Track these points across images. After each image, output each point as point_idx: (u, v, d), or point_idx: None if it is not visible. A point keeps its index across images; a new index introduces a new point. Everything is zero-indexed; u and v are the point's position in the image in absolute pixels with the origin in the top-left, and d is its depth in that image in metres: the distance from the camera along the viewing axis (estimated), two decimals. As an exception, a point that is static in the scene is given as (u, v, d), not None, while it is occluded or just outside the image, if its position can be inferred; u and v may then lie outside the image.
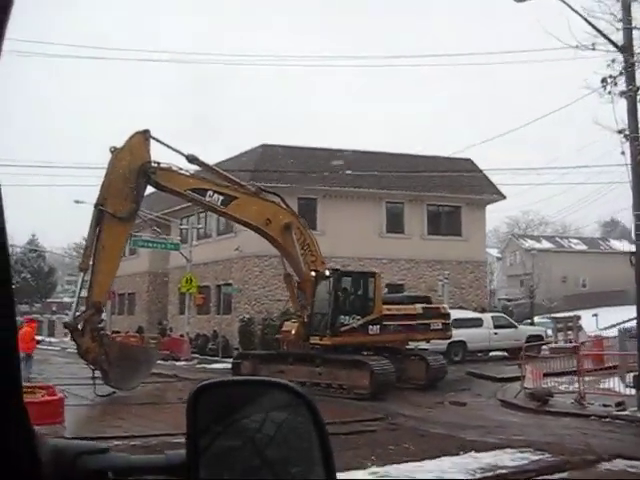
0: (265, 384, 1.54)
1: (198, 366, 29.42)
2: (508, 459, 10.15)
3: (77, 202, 39.72)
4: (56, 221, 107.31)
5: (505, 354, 29.67)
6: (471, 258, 36.05)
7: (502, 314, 31.77)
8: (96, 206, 17.62)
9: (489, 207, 38.42)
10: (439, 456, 10.28)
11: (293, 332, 21.45)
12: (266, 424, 1.40)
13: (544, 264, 59.10)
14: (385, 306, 20.73)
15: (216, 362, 31.08)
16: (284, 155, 34.08)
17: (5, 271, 1.07)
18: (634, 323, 44.10)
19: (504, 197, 37.25)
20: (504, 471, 9.65)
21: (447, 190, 35.13)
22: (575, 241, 74.90)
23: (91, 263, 17.52)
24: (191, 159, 19.23)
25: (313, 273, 20.21)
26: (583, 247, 72.50)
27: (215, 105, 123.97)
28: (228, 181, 19.85)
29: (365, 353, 20.50)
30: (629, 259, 16.06)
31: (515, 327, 29.75)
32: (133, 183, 17.86)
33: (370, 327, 20.13)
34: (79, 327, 17.35)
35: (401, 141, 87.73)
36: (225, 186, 19.54)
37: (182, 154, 19.11)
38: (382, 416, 14.83)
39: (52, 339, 49.96)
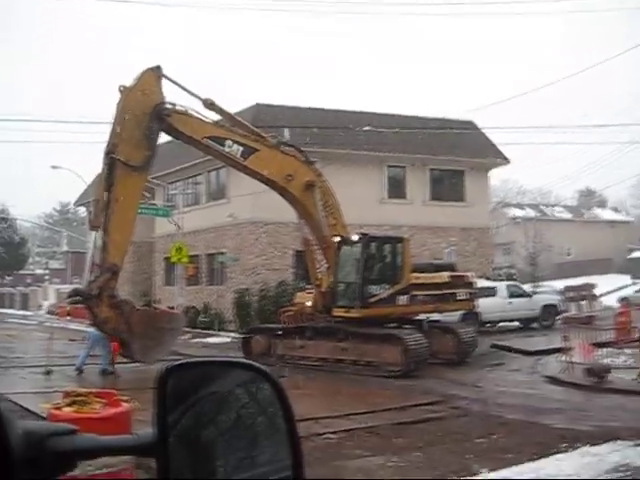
0: (231, 364, 1.53)
1: (194, 341, 27.42)
2: (635, 455, 8.42)
3: (54, 167, 37.29)
4: (25, 189, 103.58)
5: (517, 324, 28.35)
6: (475, 225, 34.39)
7: (516, 282, 30.20)
8: (107, 154, 15.31)
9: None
10: (550, 453, 8.53)
11: (309, 304, 19.57)
12: (232, 402, 1.46)
13: (529, 233, 58.07)
14: (412, 275, 18.94)
15: (211, 336, 29.20)
16: (279, 115, 31.81)
17: None
18: (629, 291, 43.08)
19: (508, 161, 35.60)
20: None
21: (450, 154, 33.32)
22: (559, 209, 74.00)
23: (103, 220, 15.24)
24: (209, 104, 16.99)
25: (336, 238, 18.23)
26: (567, 215, 71.64)
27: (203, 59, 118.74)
28: (248, 131, 17.70)
29: (390, 326, 18.79)
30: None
31: (529, 296, 28.29)
32: (146, 127, 15.61)
33: (399, 297, 18.31)
34: (94, 294, 15.00)
35: (406, 102, 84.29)
36: (245, 136, 17.42)
37: (199, 98, 16.89)
38: (439, 399, 13.04)
39: (27, 312, 47.53)
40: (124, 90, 15.50)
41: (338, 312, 18.16)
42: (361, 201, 30.78)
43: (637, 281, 49.83)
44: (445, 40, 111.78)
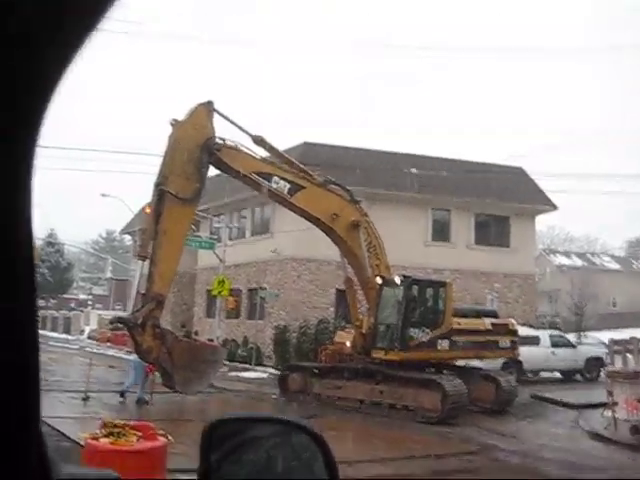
0: (272, 420, 1.56)
1: (231, 374, 27.38)
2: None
3: (104, 195, 38.05)
4: (74, 215, 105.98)
5: (558, 375, 27.72)
6: (519, 271, 33.96)
7: (560, 332, 29.59)
8: (157, 186, 15.60)
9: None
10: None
11: (348, 344, 19.43)
12: (272, 456, 1.48)
13: (576, 281, 56.93)
14: (453, 320, 18.72)
15: (248, 370, 29.15)
16: (326, 154, 32.03)
17: (30, 280, 0.88)
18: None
19: (555, 208, 35.18)
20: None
21: (496, 198, 33.09)
22: (607, 259, 72.59)
23: (150, 251, 15.47)
24: (258, 140, 17.28)
25: (379, 279, 18.16)
26: (615, 266, 70.17)
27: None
28: (295, 169, 17.90)
29: (429, 370, 18.53)
30: None
31: (574, 347, 27.62)
32: (197, 161, 15.89)
33: (439, 342, 18.09)
34: (138, 323, 15.09)
35: (454, 146, 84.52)
36: (293, 173, 17.61)
37: (248, 134, 17.17)
38: (477, 449, 12.75)
39: (68, 336, 48.21)
40: (176, 124, 15.84)
41: (377, 354, 18.00)
42: (405, 243, 30.67)
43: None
44: (489, 84, 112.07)
